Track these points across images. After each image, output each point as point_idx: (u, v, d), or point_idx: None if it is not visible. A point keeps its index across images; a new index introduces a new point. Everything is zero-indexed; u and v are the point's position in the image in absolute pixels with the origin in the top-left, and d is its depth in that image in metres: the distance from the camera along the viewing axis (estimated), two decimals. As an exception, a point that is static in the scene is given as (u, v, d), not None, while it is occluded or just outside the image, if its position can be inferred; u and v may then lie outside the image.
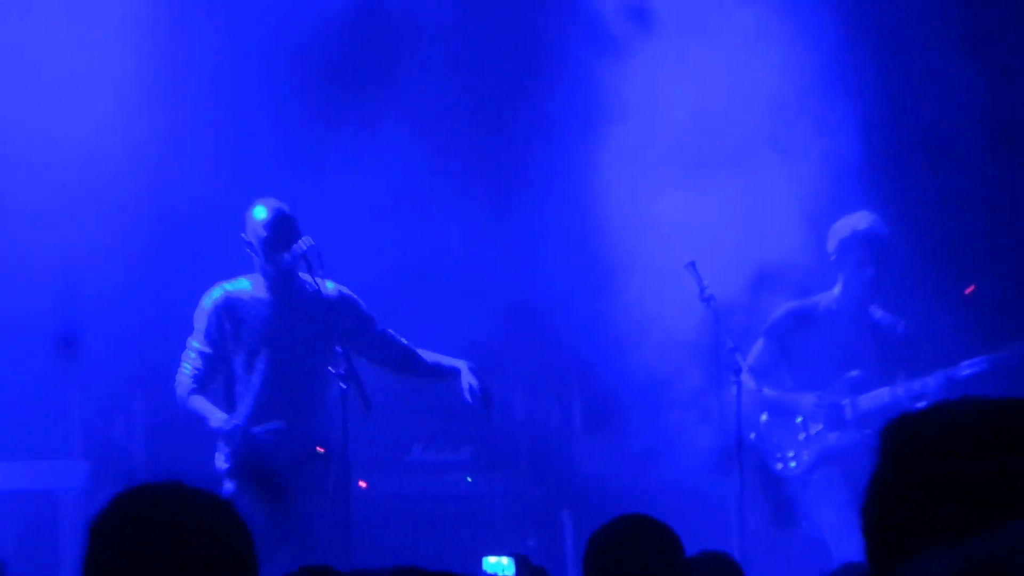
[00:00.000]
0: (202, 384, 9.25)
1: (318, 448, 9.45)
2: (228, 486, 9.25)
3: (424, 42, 11.88)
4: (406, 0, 11.87)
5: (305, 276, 9.21)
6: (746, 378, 9.48)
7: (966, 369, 9.66)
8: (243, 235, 9.29)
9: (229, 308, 9.31)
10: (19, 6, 11.33)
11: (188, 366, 9.29)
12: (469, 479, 11.46)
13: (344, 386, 8.97)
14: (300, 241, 9.09)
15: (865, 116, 11.52)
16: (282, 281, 9.13)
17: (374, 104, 11.59)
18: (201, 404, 9.25)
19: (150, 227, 11.18)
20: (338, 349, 9.09)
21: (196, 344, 9.24)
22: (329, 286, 9.33)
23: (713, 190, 10.81)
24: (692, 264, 9.57)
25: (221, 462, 9.30)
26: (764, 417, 10.04)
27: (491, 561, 7.85)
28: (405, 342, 9.50)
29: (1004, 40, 12.12)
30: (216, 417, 9.25)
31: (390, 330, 9.59)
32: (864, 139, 11.21)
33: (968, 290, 10.50)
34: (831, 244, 9.94)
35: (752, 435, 9.90)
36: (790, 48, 11.39)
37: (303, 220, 9.32)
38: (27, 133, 10.92)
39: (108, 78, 11.24)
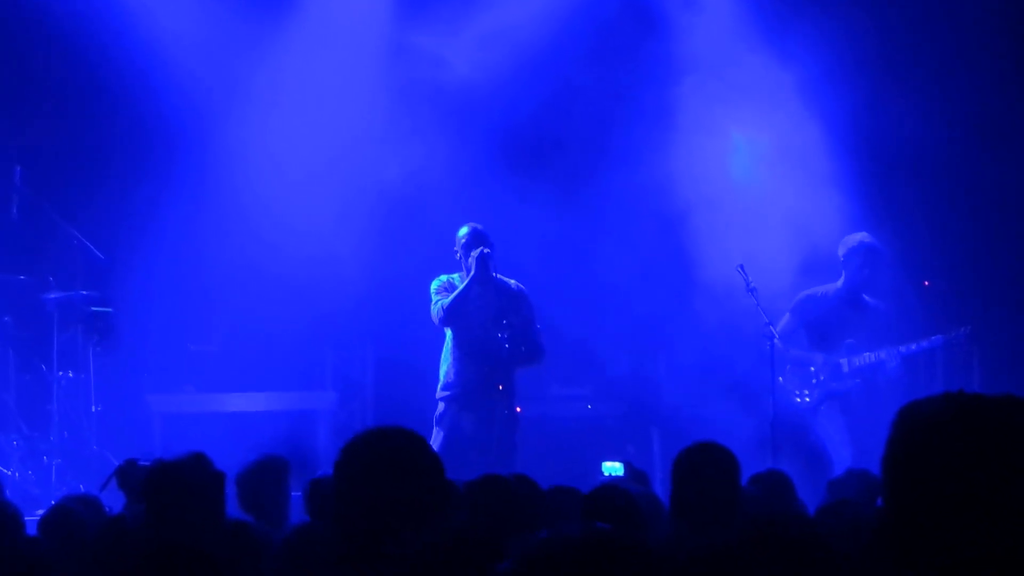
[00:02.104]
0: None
1: (517, 409, 10.91)
2: (441, 408, 10.94)
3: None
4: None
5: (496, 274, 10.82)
6: (777, 342, 11.18)
7: (926, 343, 11.22)
8: (455, 246, 11.01)
9: (450, 287, 10.94)
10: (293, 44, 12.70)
11: (438, 306, 10.81)
12: (589, 407, 12.89)
13: (508, 347, 10.80)
14: (483, 248, 10.79)
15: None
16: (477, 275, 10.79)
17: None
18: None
19: (382, 226, 12.60)
20: (504, 321, 10.81)
21: (440, 302, 10.79)
22: (511, 282, 11.09)
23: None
24: (741, 266, 11.15)
25: (440, 392, 10.99)
26: (788, 368, 11.59)
27: (608, 465, 9.14)
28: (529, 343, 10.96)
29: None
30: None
31: (537, 326, 11.10)
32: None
33: (925, 284, 11.92)
34: (841, 251, 11.56)
35: (780, 379, 11.42)
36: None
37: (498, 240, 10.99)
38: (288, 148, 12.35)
39: (356, 109, 12.67)
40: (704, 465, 5.81)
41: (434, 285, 11.12)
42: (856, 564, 3.38)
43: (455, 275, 11.17)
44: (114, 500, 6.91)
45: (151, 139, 12.86)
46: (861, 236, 11.73)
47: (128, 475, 6.68)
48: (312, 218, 12.35)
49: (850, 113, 12.57)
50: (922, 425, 2.64)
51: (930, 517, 2.56)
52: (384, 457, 3.88)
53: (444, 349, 11.20)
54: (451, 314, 10.98)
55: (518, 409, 11.46)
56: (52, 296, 12.03)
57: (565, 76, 13.03)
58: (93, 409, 12.04)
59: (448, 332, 11.16)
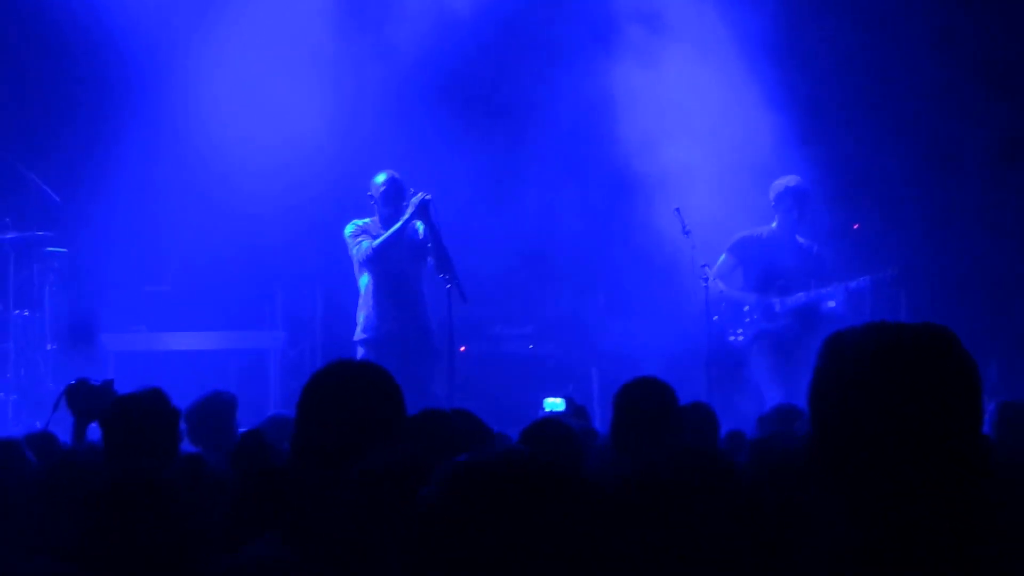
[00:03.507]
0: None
1: (461, 348, 10.97)
2: (361, 352, 10.82)
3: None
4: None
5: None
6: (713, 282, 11.46)
7: (854, 283, 11.33)
8: (368, 192, 11.01)
9: (367, 231, 10.91)
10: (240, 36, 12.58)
11: (365, 245, 10.73)
12: (531, 346, 13.02)
13: (449, 286, 10.61)
14: (424, 194, 10.71)
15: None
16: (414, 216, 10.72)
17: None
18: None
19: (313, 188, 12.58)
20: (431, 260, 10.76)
21: (366, 242, 10.72)
22: (419, 226, 10.89)
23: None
24: (677, 209, 11.35)
25: (359, 335, 10.94)
26: (723, 307, 11.74)
27: (549, 400, 9.41)
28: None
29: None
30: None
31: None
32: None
33: (855, 227, 12.06)
34: (772, 194, 11.69)
35: (715, 318, 11.62)
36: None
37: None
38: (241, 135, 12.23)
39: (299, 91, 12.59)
40: (643, 399, 5.90)
41: (349, 229, 11.09)
42: (765, 492, 3.41)
43: (367, 219, 11.11)
44: (64, 422, 6.88)
45: (107, 83, 12.82)
46: (789, 179, 11.83)
47: (78, 394, 6.65)
48: (259, 160, 12.31)
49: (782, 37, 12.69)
50: (847, 353, 2.67)
51: (855, 440, 2.59)
52: (356, 380, 4.01)
53: (363, 293, 11.11)
54: (381, 254, 10.90)
55: (462, 348, 11.57)
56: (8, 236, 12.01)
57: (508, 15, 13.03)
58: (48, 347, 12.12)
59: (366, 277, 11.07)
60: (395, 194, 11.01)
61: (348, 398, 3.93)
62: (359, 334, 11.04)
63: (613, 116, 12.77)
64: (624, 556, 2.88)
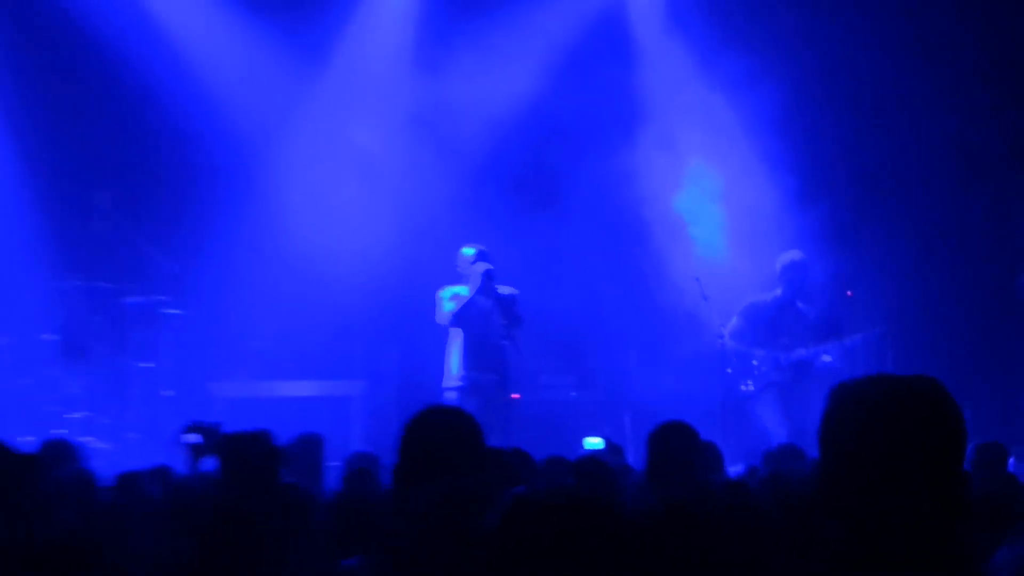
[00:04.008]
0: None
1: (515, 396, 11.01)
2: (452, 396, 11.05)
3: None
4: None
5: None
6: (726, 341, 11.58)
7: (848, 341, 11.46)
8: (458, 263, 11.27)
9: (455, 297, 11.16)
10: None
11: (447, 309, 10.94)
12: (573, 393, 12.79)
13: (507, 343, 11.03)
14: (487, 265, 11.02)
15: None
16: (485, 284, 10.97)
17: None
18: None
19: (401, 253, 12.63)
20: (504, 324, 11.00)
21: (448, 306, 10.99)
22: (506, 289, 11.26)
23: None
24: (698, 279, 11.49)
25: (448, 382, 11.15)
26: (735, 362, 11.72)
27: (589, 440, 9.21)
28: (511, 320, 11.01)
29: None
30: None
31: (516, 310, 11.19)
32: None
33: (848, 294, 11.89)
34: (777, 266, 11.78)
35: (729, 371, 11.66)
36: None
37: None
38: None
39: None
40: (674, 440, 5.88)
41: (441, 293, 11.25)
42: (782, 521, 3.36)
43: (458, 287, 11.28)
44: (176, 456, 6.86)
45: (215, 172, 12.97)
46: (792, 254, 11.90)
47: (191, 433, 6.66)
48: (347, 235, 12.46)
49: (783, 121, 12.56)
50: (851, 401, 2.65)
51: (858, 475, 2.59)
52: (448, 421, 3.98)
53: (451, 347, 11.25)
54: (459, 319, 11.06)
55: (515, 396, 11.49)
56: (133, 300, 12.13)
57: (547, 114, 13.04)
58: (165, 393, 12.17)
59: (453, 332, 11.22)
60: (486, 262, 11.21)
61: (441, 436, 3.89)
62: (448, 381, 11.23)
63: (639, 195, 12.77)
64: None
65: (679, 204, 12.68)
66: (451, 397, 11.07)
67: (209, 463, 6.06)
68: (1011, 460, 7.52)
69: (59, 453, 6.59)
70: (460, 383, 11.18)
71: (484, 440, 3.96)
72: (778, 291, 11.91)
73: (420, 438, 3.86)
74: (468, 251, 11.36)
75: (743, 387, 11.83)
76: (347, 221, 12.46)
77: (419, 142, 12.82)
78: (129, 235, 12.30)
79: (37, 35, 12.52)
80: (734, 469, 7.46)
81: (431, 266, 11.70)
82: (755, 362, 11.84)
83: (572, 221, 12.80)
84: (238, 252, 12.66)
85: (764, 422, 11.64)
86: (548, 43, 13.08)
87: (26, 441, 10.06)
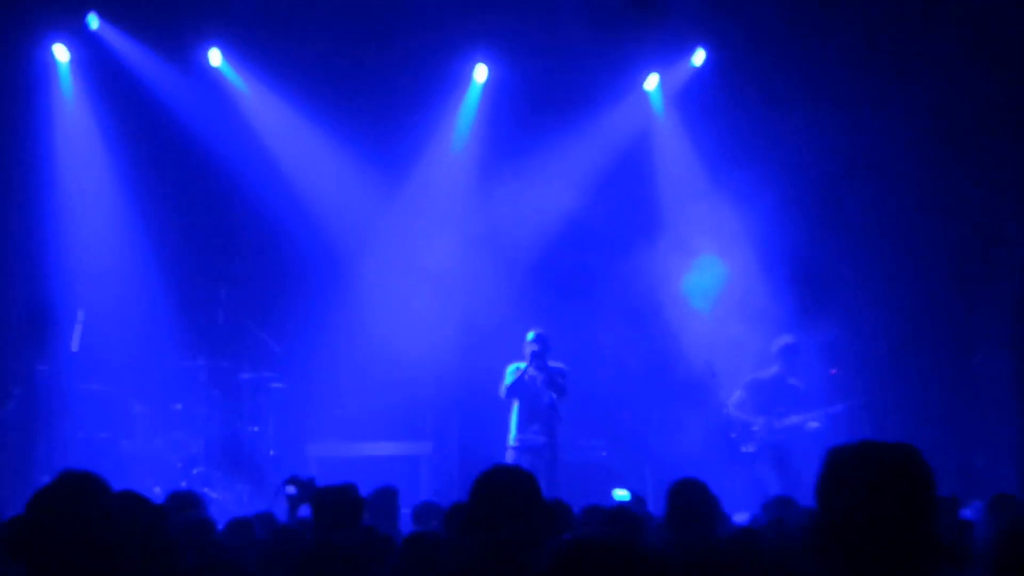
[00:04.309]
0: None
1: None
2: (512, 455, 10.90)
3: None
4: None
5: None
6: (731, 411, 11.53)
7: (832, 409, 11.35)
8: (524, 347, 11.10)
9: (516, 371, 11.05)
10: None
11: (506, 383, 10.89)
12: (604, 453, 12.62)
13: (556, 411, 10.99)
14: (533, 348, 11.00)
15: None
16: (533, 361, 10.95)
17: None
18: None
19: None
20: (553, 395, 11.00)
21: (507, 382, 10.85)
22: (558, 364, 11.15)
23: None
24: (708, 361, 11.58)
25: (511, 442, 11.01)
26: (738, 427, 11.54)
27: (618, 492, 9.43)
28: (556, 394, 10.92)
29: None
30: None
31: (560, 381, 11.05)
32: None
33: (832, 372, 11.87)
34: (773, 348, 11.60)
35: (733, 434, 11.53)
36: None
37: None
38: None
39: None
40: (691, 494, 5.77)
41: (508, 368, 11.22)
42: (785, 562, 3.34)
43: (521, 363, 11.22)
44: (279, 505, 6.91)
45: (311, 270, 13.04)
46: (787, 338, 11.76)
47: (291, 486, 6.67)
48: (418, 324, 12.39)
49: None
50: (844, 463, 2.66)
51: (850, 524, 2.57)
52: (509, 478, 3.89)
53: (512, 414, 11.17)
54: (511, 392, 11.05)
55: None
56: (246, 376, 12.14)
57: (583, 223, 12.95)
58: (271, 453, 12.11)
59: (512, 402, 11.16)
60: (541, 344, 11.09)
61: (506, 490, 3.81)
62: (511, 442, 11.11)
63: (658, 288, 12.61)
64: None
65: (685, 284, 12.60)
66: (509, 456, 10.97)
67: (305, 511, 6.04)
68: (964, 511, 7.45)
69: (183, 502, 6.59)
70: (516, 444, 11.08)
71: (540, 494, 3.89)
72: (774, 368, 11.73)
73: (488, 491, 3.79)
74: (529, 335, 11.25)
75: (744, 448, 11.65)
76: (418, 315, 12.40)
77: (480, 250, 12.79)
78: (243, 323, 12.36)
79: (173, 167, 12.65)
80: (738, 517, 7.29)
81: (490, 350, 11.62)
82: (755, 427, 11.64)
83: (603, 310, 12.70)
84: (329, 337, 12.62)
85: (761, 476, 11.42)
86: (585, 167, 13.05)
87: (155, 492, 10.38)
